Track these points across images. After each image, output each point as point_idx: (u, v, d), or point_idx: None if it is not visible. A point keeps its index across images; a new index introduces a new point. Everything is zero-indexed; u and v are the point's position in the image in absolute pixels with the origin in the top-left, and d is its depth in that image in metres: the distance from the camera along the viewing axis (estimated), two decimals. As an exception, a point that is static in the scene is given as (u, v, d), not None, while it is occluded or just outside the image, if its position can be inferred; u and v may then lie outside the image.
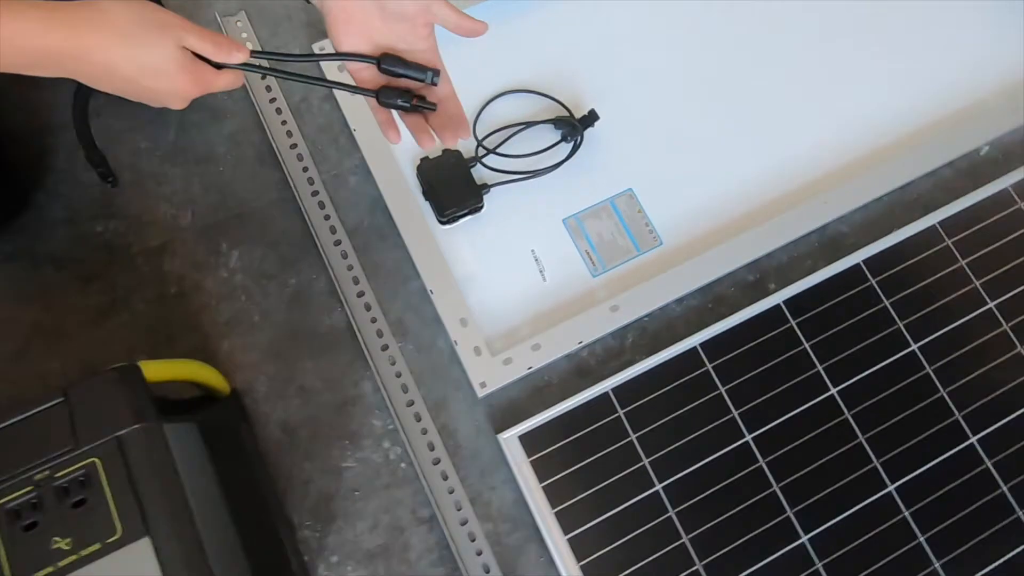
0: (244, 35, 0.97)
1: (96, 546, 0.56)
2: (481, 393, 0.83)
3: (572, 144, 0.92)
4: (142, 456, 0.58)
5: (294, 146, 0.92)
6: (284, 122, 0.93)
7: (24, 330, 0.85)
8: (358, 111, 0.92)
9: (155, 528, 0.56)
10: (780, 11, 1.01)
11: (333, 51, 0.68)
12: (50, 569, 0.55)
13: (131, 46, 0.56)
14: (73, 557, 0.55)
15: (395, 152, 0.91)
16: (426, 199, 0.89)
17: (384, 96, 0.68)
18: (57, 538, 0.56)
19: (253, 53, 0.64)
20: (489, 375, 0.83)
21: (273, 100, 0.94)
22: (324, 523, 0.81)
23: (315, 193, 0.91)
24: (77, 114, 0.74)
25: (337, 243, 0.89)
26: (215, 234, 0.90)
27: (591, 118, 0.92)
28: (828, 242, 0.92)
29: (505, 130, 0.93)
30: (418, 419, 0.84)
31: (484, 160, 0.91)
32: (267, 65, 0.68)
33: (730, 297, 0.89)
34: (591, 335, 0.85)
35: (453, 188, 0.88)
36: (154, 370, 0.65)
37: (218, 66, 0.62)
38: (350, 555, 0.80)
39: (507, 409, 0.85)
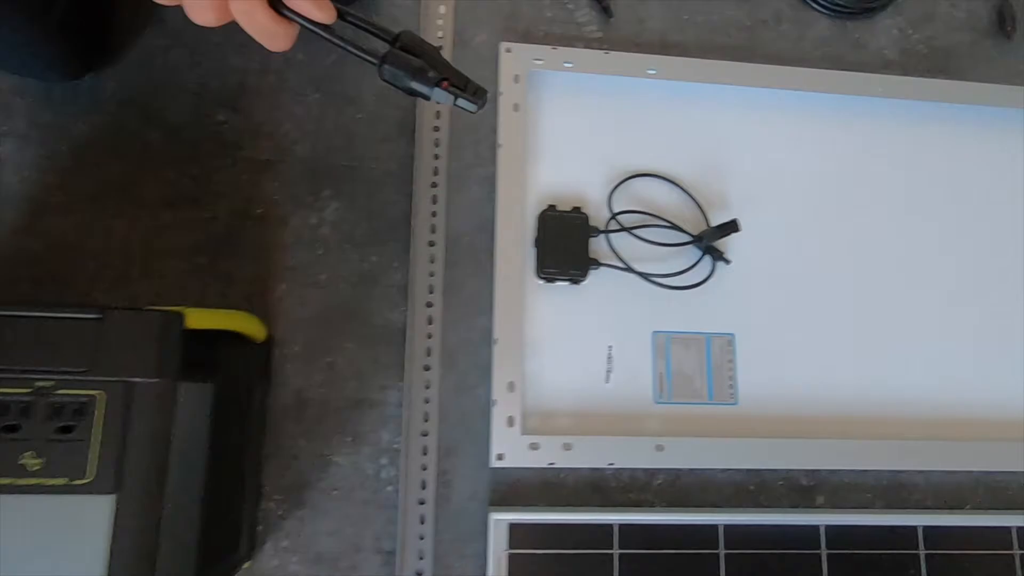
0: None
1: (62, 480, 0.53)
2: (494, 464, 0.78)
3: (707, 273, 0.85)
4: (146, 411, 0.55)
5: (436, 128, 0.87)
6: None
7: (101, 183, 0.82)
8: (512, 128, 0.86)
9: (125, 491, 0.54)
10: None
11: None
12: (8, 481, 0.53)
13: None
14: (35, 481, 0.53)
15: (527, 185, 0.86)
16: (535, 247, 0.84)
17: (390, 65, 0.55)
18: (30, 453, 0.53)
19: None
20: (510, 450, 0.79)
21: (440, 72, 0.89)
22: (291, 506, 0.78)
23: (434, 184, 0.86)
24: None
25: (431, 244, 0.85)
26: (322, 176, 0.86)
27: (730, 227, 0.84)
28: (896, 485, 0.85)
29: (644, 215, 0.87)
30: (424, 452, 0.80)
31: (611, 236, 0.85)
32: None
33: (775, 490, 0.83)
34: (626, 462, 0.80)
35: (565, 250, 0.83)
36: (197, 319, 0.62)
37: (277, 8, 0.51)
38: (300, 548, 0.77)
39: (512, 487, 0.81)
